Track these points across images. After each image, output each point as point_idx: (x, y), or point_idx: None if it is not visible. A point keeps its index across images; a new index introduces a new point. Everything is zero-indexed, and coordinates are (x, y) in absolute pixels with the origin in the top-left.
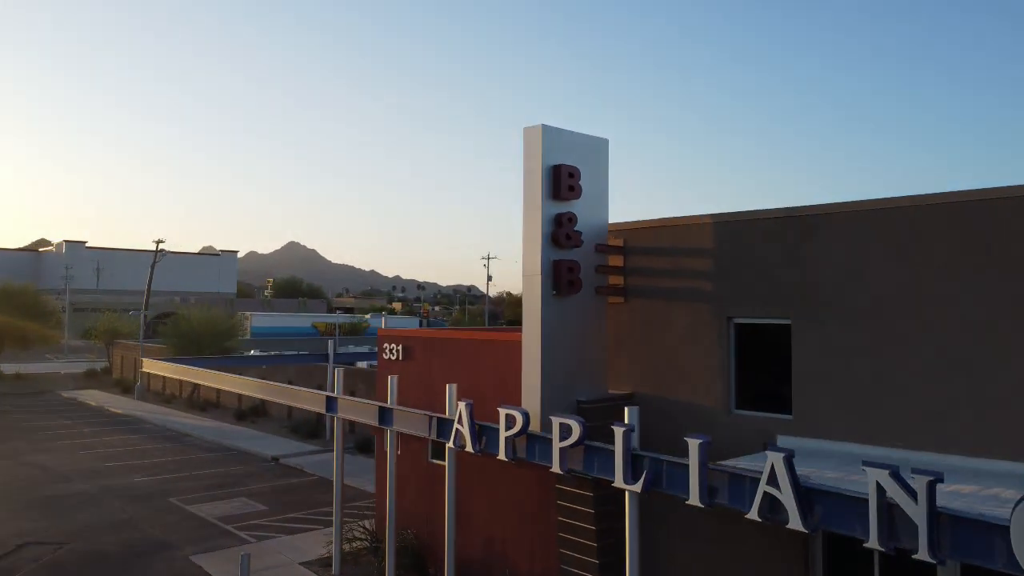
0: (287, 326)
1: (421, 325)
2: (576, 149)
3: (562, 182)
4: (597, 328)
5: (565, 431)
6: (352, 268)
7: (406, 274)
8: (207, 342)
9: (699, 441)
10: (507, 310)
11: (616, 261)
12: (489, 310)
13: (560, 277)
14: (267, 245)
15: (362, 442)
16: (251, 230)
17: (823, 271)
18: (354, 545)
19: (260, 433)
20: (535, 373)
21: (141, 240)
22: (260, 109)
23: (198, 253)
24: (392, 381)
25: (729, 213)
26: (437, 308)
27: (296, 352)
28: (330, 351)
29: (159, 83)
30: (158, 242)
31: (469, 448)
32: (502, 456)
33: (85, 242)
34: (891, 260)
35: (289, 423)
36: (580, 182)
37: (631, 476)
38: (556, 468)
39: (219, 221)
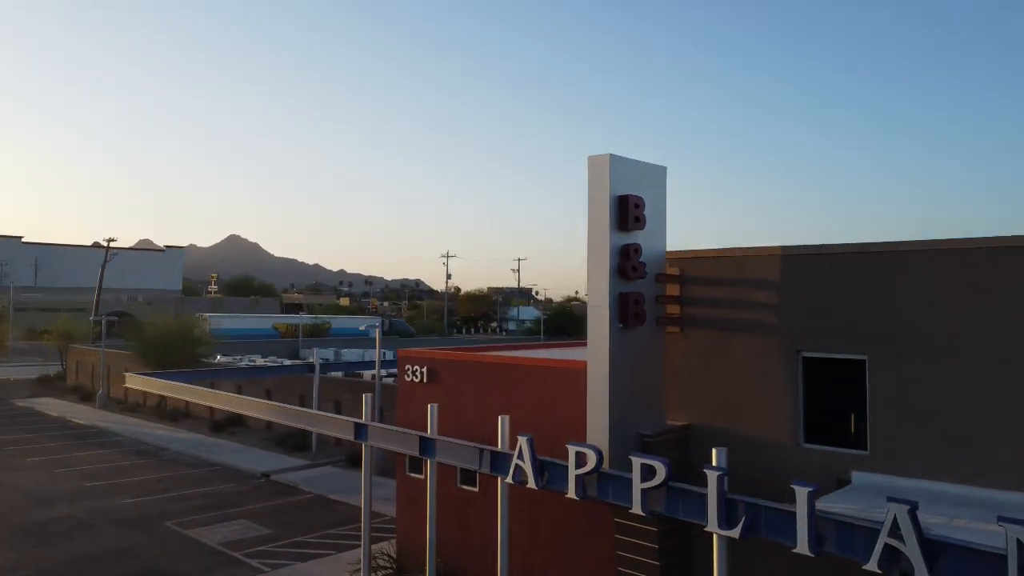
0: (247, 328)
1: (383, 326)
2: (639, 178)
3: (628, 213)
4: (657, 359)
5: (648, 472)
6: (295, 262)
7: (351, 268)
8: (177, 349)
9: (807, 490)
10: (460, 307)
11: (673, 290)
12: (446, 307)
13: (626, 309)
14: (207, 238)
15: (352, 455)
16: (190, 223)
17: (902, 308)
18: (378, 574)
19: (241, 446)
20: (602, 409)
21: (75, 235)
22: (200, 98)
23: (142, 249)
24: (432, 411)
25: (799, 246)
26: (386, 304)
27: (278, 362)
28: (315, 360)
29: (92, 71)
30: (108, 240)
31: (532, 485)
32: (571, 495)
33: (21, 237)
34: (971, 298)
35: (270, 435)
36: (644, 212)
37: (725, 521)
38: (637, 509)
39: (157, 214)
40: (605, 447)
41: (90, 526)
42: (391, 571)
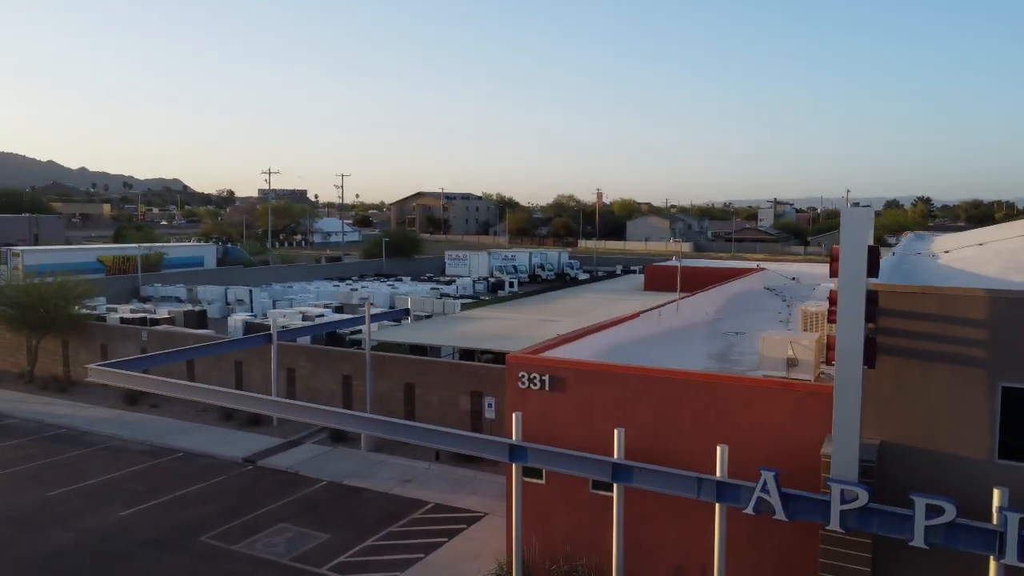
0: (67, 262)
1: (219, 254)
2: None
3: (874, 261)
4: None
5: (934, 512)
6: (24, 158)
7: (94, 165)
8: (61, 311)
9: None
10: (259, 220)
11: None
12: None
13: (870, 352)
14: None
15: (336, 431)
16: None
17: None
18: None
19: (178, 421)
20: (853, 445)
21: None
22: None
23: None
24: (619, 435)
25: (1008, 291)
26: (155, 210)
27: (151, 310)
28: (273, 331)
29: None
30: None
31: (780, 516)
32: (835, 527)
33: None
34: None
35: (204, 405)
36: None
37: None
38: (919, 543)
39: None
40: (855, 476)
41: (118, 554)
42: None
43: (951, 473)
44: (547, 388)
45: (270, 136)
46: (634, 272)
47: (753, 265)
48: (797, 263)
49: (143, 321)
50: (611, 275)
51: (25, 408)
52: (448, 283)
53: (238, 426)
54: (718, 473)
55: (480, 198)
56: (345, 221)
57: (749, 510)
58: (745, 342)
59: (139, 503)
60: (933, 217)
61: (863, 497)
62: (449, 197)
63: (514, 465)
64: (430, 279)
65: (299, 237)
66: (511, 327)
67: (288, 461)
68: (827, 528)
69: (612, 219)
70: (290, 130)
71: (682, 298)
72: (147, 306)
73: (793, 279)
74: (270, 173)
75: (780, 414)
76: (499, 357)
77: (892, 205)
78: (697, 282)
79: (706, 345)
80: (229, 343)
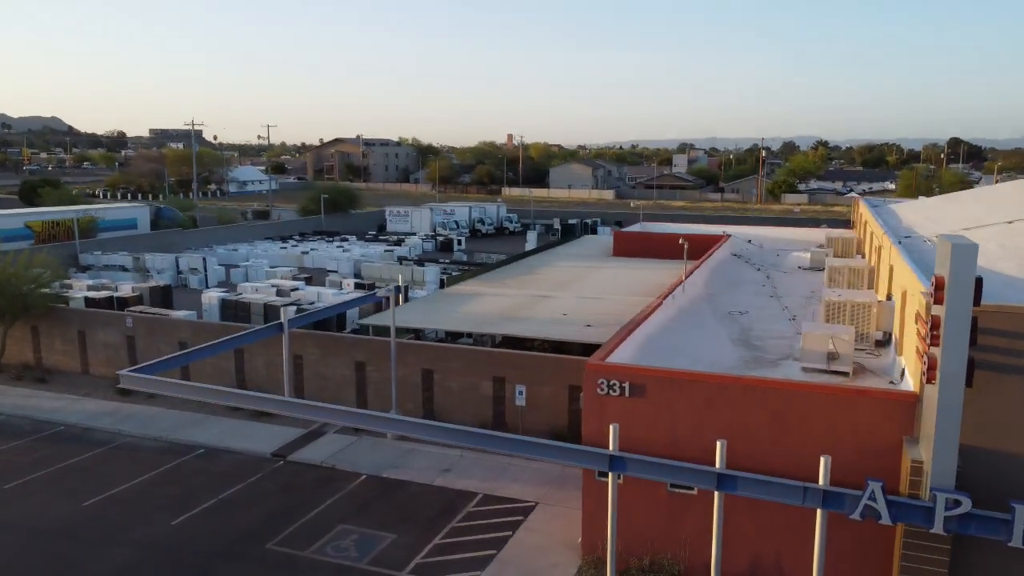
0: None
1: (152, 215)
2: None
3: (979, 292)
4: None
5: None
6: None
7: None
8: (36, 298)
9: None
10: (170, 168)
11: None
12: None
13: (971, 372)
14: None
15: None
16: None
17: None
18: None
19: (187, 414)
20: (952, 458)
21: None
22: None
23: None
24: (721, 447)
25: None
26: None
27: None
28: (284, 319)
29: None
30: None
31: (885, 521)
32: (938, 530)
33: None
34: None
35: None
36: None
37: None
38: (1017, 543)
39: None
40: (952, 484)
41: (193, 567)
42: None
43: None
44: (627, 394)
45: (158, 71)
46: (573, 226)
47: (719, 232)
48: (753, 227)
49: (110, 301)
50: (549, 229)
51: (7, 402)
52: (398, 243)
53: (248, 417)
54: (821, 481)
55: (399, 144)
56: (257, 167)
57: (856, 516)
58: (755, 324)
59: (184, 510)
60: (831, 160)
61: (966, 504)
62: (368, 144)
63: (611, 474)
64: (376, 238)
65: (213, 187)
66: (512, 305)
67: (318, 455)
68: (913, 528)
69: (533, 165)
70: (178, 64)
71: (688, 275)
72: (106, 282)
73: (750, 241)
74: (194, 125)
75: (855, 418)
76: (512, 341)
77: (789, 147)
78: (666, 249)
79: (722, 328)
80: (245, 336)
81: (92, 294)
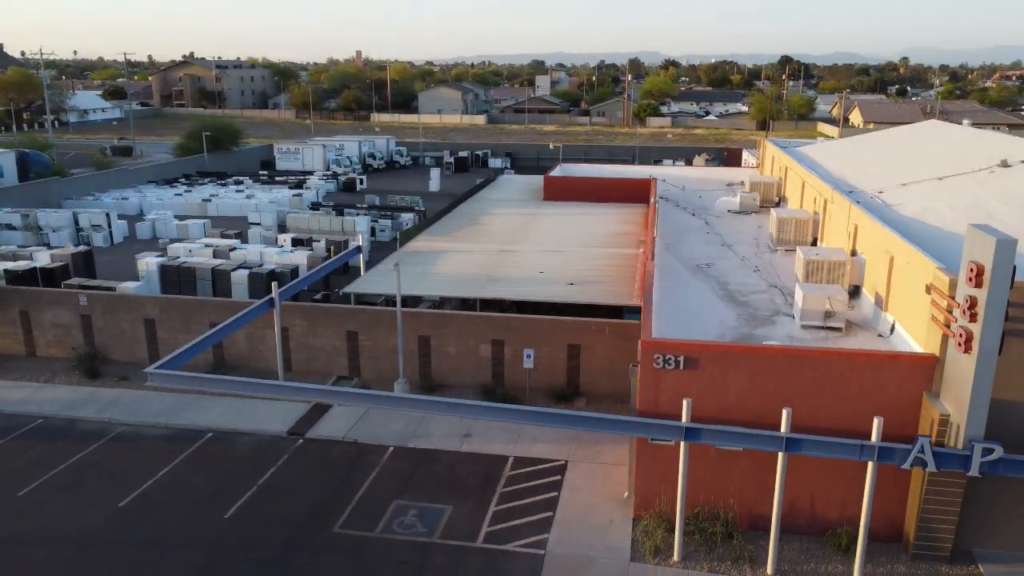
0: None
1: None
2: None
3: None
4: None
5: None
6: None
7: None
8: None
9: None
10: None
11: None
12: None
13: (1002, 344)
14: None
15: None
16: None
17: None
18: (656, 537)
19: (170, 396)
20: (983, 413)
21: None
22: None
23: None
24: (787, 414)
25: None
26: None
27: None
28: (275, 294)
29: None
30: None
31: (931, 468)
32: (974, 473)
33: None
34: None
35: None
36: None
37: None
38: None
39: None
40: (981, 434)
41: (273, 560)
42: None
43: None
44: (681, 367)
45: None
46: (465, 159)
47: (644, 175)
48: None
49: (32, 272)
50: (441, 163)
51: None
52: (300, 184)
53: (240, 395)
54: (873, 438)
55: (254, 67)
56: (94, 93)
57: (907, 466)
58: (726, 277)
59: (230, 502)
60: (680, 79)
61: (998, 451)
62: (221, 67)
63: (683, 444)
64: (272, 180)
65: (49, 116)
66: (483, 263)
67: (336, 429)
68: (969, 473)
69: (398, 89)
70: None
71: (648, 228)
72: (14, 248)
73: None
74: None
75: (884, 378)
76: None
77: (636, 64)
78: (596, 192)
79: (703, 284)
80: (243, 317)
81: (11, 265)
